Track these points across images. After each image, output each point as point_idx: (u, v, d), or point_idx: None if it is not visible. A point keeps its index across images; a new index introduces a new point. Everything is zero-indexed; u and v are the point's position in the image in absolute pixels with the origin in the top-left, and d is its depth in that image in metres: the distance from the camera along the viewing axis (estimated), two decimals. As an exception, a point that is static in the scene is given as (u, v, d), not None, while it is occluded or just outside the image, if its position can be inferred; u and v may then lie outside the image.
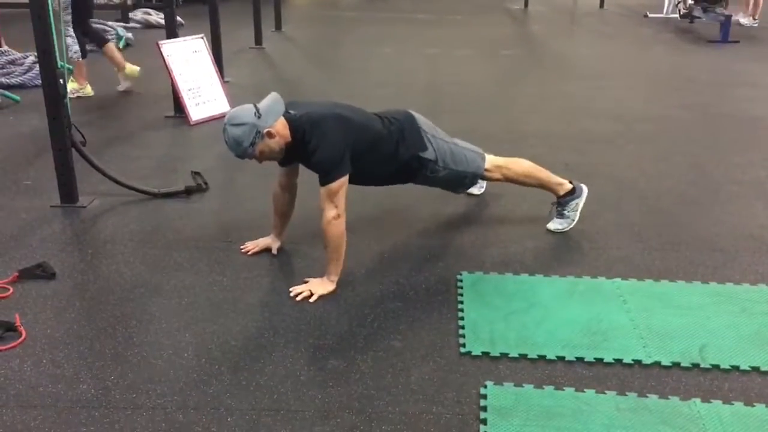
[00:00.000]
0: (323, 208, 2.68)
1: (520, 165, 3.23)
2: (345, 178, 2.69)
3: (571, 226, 3.23)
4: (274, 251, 3.02)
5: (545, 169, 3.25)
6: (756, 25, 9.19)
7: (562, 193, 3.22)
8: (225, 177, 3.99)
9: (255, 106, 2.65)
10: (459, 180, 3.13)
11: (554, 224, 3.25)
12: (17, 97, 5.56)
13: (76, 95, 5.52)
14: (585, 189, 3.26)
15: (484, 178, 3.23)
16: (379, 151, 2.88)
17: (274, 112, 2.67)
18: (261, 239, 3.08)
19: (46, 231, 3.26)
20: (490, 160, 3.17)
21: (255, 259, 2.99)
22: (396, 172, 3.02)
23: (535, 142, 4.55)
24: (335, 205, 2.67)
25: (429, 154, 2.98)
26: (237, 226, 3.30)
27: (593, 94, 6.03)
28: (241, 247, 3.07)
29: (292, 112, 2.72)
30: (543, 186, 3.24)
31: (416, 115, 3.06)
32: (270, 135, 2.64)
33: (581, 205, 3.24)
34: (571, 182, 3.25)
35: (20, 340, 2.38)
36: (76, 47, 5.43)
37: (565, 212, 3.23)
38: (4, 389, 2.14)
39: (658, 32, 9.49)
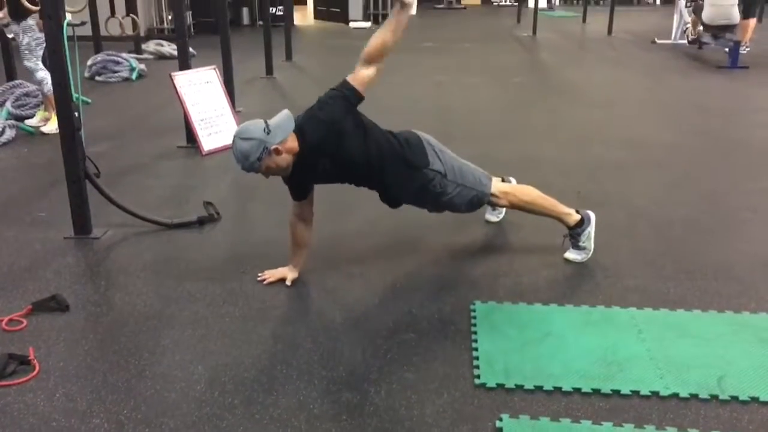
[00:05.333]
0: (373, 60, 2.93)
1: (527, 193, 3.22)
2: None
3: (589, 256, 3.21)
4: (289, 282, 3.01)
5: (552, 198, 3.25)
6: (746, 51, 9.17)
7: (571, 223, 3.21)
8: (237, 207, 4.01)
9: (265, 122, 2.71)
10: (466, 198, 3.09)
11: (572, 254, 3.23)
12: (32, 129, 5.63)
13: (47, 125, 5.60)
14: (593, 216, 3.24)
15: (490, 203, 3.23)
16: (389, 150, 2.91)
17: (284, 130, 2.71)
18: (279, 269, 3.07)
19: (59, 263, 3.27)
20: (497, 186, 3.17)
21: (267, 290, 2.99)
22: (408, 179, 2.99)
23: (547, 169, 4.55)
24: (365, 63, 2.91)
25: (437, 166, 2.98)
26: (250, 257, 3.30)
27: (604, 121, 6.04)
28: (259, 274, 3.07)
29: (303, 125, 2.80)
30: (550, 215, 3.23)
31: (421, 133, 3.09)
32: (277, 152, 2.69)
33: (593, 232, 3.22)
34: (578, 211, 3.24)
35: (34, 373, 2.38)
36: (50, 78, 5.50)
37: (580, 243, 3.21)
38: (17, 423, 2.14)
39: (667, 58, 9.52)
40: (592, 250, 3.21)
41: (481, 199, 3.16)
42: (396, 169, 2.94)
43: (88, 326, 2.72)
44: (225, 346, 2.57)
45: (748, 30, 9.20)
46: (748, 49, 9.27)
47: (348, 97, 2.82)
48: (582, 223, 3.20)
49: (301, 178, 2.87)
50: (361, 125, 2.87)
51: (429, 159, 2.98)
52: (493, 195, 3.15)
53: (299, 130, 2.76)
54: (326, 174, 2.86)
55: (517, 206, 3.22)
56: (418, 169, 2.96)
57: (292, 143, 2.74)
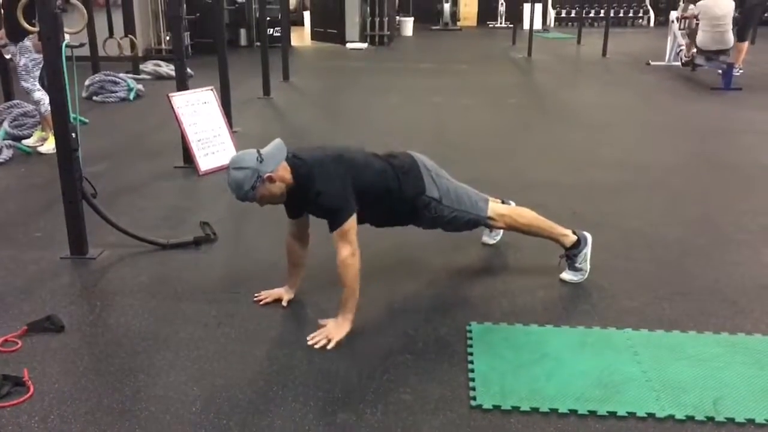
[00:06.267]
0: (337, 249, 2.70)
1: (524, 216, 3.25)
2: (353, 218, 2.72)
3: (585, 277, 3.22)
4: (284, 303, 3.02)
5: (549, 220, 3.26)
6: (739, 73, 9.25)
7: (568, 245, 3.22)
8: (233, 227, 4.01)
9: (258, 151, 2.72)
10: (462, 221, 3.12)
11: (568, 275, 3.24)
12: (29, 149, 5.64)
13: (44, 146, 5.61)
14: (589, 237, 3.25)
15: (487, 225, 3.25)
16: (383, 189, 2.90)
17: (276, 158, 2.73)
18: (275, 290, 3.08)
19: (55, 283, 3.27)
20: (493, 209, 3.19)
21: (263, 311, 2.99)
22: (401, 211, 3.03)
23: (542, 191, 4.57)
24: (348, 243, 2.69)
25: (433, 193, 3.00)
26: (245, 277, 3.30)
27: (599, 143, 6.08)
28: (255, 295, 3.07)
29: (295, 156, 2.78)
30: (546, 236, 3.25)
31: (418, 156, 3.10)
32: (270, 180, 2.70)
33: (589, 253, 3.23)
34: (574, 232, 3.25)
35: (28, 395, 2.37)
36: (47, 99, 5.50)
37: (577, 264, 3.21)
38: (10, 446, 2.13)
39: (661, 80, 9.59)
40: (588, 271, 3.22)
41: (478, 222, 3.18)
42: (388, 206, 2.98)
43: (83, 347, 2.72)
44: (220, 367, 2.56)
45: (742, 52, 9.30)
46: (741, 71, 9.35)
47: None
48: (578, 244, 3.21)
49: (296, 203, 2.88)
50: (354, 166, 2.84)
51: (425, 184, 2.99)
52: (489, 218, 3.16)
53: (292, 165, 2.75)
54: None
55: (513, 228, 3.24)
56: (416, 197, 2.98)
57: (285, 173, 2.74)
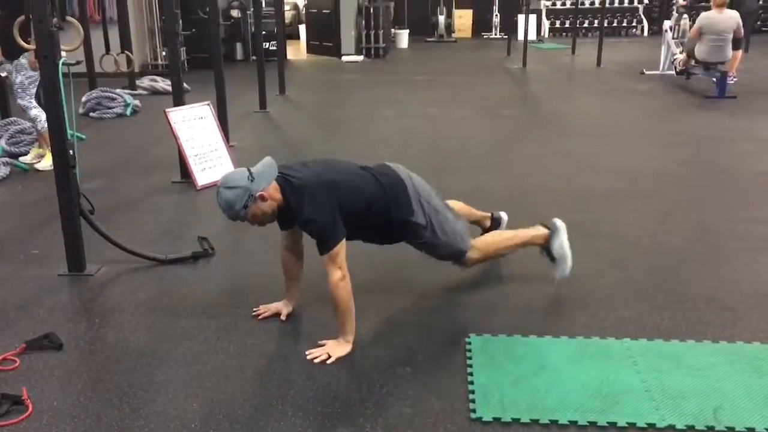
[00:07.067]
0: (328, 272, 2.71)
1: (491, 243, 3.29)
2: (343, 242, 2.72)
3: (570, 264, 3.22)
4: (283, 317, 3.02)
5: (514, 231, 3.33)
6: (733, 81, 9.27)
7: (542, 241, 3.27)
8: (231, 242, 4.01)
9: (249, 170, 2.71)
10: (445, 252, 3.13)
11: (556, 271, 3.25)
12: (26, 166, 5.65)
13: (41, 162, 5.63)
14: (561, 224, 3.26)
15: (465, 262, 3.21)
16: (370, 211, 2.89)
17: (267, 177, 2.72)
18: (273, 304, 3.08)
19: (53, 300, 3.26)
20: (473, 243, 3.20)
21: (262, 325, 2.99)
22: (389, 232, 3.04)
23: (538, 200, 4.58)
24: (338, 267, 2.70)
25: (419, 219, 2.98)
26: (244, 292, 3.30)
27: (594, 152, 6.09)
28: (254, 309, 3.07)
29: (286, 175, 2.76)
30: (525, 245, 3.30)
31: (408, 180, 3.02)
32: (262, 198, 2.69)
33: (565, 240, 3.23)
34: (546, 226, 3.28)
35: (26, 414, 2.36)
36: (44, 116, 5.50)
37: (554, 254, 3.23)
38: (9, 465, 2.12)
39: (656, 89, 9.63)
40: (570, 256, 3.22)
41: (456, 257, 3.18)
42: (376, 229, 2.99)
43: (82, 365, 2.71)
44: (219, 382, 2.56)
45: (736, 60, 9.33)
46: (735, 79, 9.38)
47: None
48: (550, 236, 3.25)
49: (286, 217, 2.87)
50: (345, 196, 2.82)
51: (413, 209, 2.97)
52: (469, 254, 3.17)
53: (282, 186, 2.74)
54: None
55: (488, 258, 3.29)
56: (403, 221, 2.97)
57: (275, 192, 2.74)
